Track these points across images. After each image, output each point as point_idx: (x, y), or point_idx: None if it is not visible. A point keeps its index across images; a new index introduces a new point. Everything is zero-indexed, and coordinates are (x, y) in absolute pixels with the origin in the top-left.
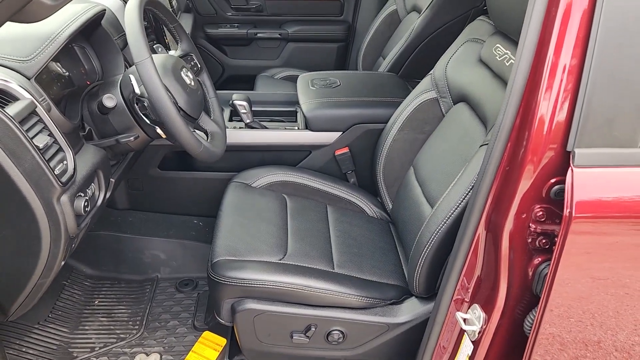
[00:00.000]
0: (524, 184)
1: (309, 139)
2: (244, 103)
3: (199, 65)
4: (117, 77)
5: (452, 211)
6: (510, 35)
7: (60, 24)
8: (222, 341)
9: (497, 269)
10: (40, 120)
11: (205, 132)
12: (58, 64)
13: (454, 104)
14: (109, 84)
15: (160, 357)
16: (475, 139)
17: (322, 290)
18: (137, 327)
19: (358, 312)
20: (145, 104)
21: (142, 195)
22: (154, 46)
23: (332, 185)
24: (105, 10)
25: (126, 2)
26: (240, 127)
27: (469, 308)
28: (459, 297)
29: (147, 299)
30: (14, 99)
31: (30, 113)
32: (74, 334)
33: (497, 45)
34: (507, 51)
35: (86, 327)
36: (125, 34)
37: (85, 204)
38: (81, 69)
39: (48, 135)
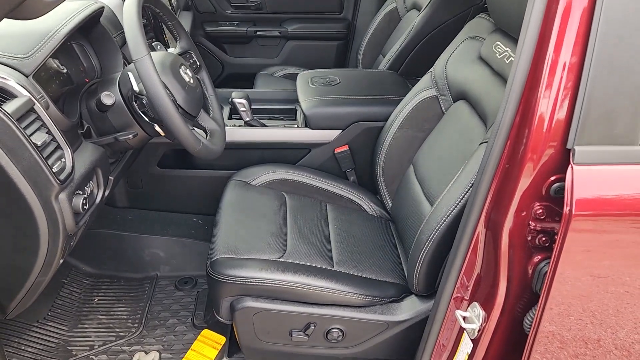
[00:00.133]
0: (524, 182)
1: (308, 137)
2: (244, 101)
3: (198, 63)
4: (115, 75)
5: (451, 209)
6: (510, 32)
7: (59, 21)
8: (222, 339)
9: (496, 267)
10: (38, 118)
11: (204, 130)
12: (56, 61)
13: (454, 102)
14: (107, 81)
15: (160, 355)
16: (475, 137)
17: (322, 288)
18: (136, 325)
19: (357, 310)
20: (144, 102)
21: (141, 193)
22: (153, 44)
23: (332, 183)
24: (103, 7)
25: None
26: (239, 125)
27: (468, 306)
28: (459, 295)
29: (147, 297)
30: (12, 96)
31: (28, 110)
32: (73, 332)
33: (497, 42)
34: (507, 49)
35: (85, 325)
36: (123, 31)
37: (84, 201)
38: (80, 67)
39: (46, 132)
